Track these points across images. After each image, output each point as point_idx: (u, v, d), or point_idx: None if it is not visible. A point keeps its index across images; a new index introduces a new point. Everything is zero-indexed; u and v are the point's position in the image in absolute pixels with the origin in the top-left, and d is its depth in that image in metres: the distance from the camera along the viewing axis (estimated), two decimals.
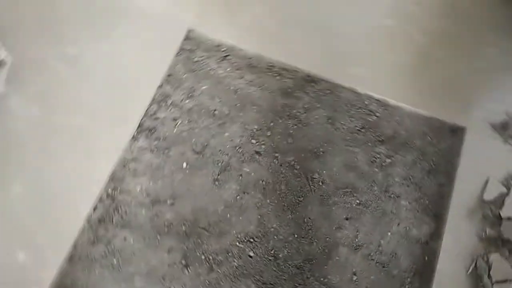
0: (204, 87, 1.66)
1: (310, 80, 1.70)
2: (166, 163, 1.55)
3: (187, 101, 1.64)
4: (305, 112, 1.66)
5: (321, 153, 1.61)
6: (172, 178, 1.53)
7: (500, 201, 1.53)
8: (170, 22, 1.72)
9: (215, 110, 1.64)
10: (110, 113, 1.57)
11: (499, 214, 1.50)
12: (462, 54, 1.79)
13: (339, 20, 1.81)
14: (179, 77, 1.66)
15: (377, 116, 1.68)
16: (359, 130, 1.65)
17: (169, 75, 1.66)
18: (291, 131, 1.63)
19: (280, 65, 1.71)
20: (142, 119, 1.58)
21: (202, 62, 1.69)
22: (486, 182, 1.57)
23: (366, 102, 1.69)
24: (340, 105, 1.68)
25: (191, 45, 1.71)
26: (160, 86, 1.63)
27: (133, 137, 1.56)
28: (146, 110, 1.59)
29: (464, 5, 1.86)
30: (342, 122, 1.66)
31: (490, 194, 1.54)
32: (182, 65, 1.68)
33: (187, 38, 1.71)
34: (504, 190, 1.54)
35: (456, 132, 1.66)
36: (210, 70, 1.69)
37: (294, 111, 1.66)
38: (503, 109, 1.69)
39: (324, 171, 1.59)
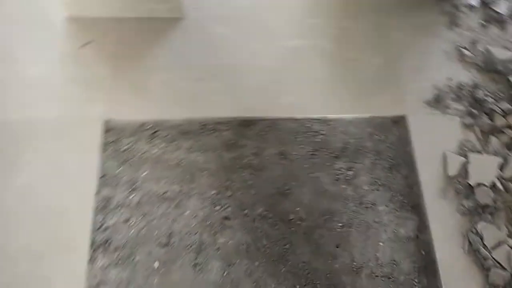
0: (144, 174, 1.55)
1: (247, 124, 1.67)
2: (136, 271, 1.41)
3: (132, 195, 1.51)
4: (255, 158, 1.62)
5: (288, 191, 1.58)
6: (148, 284, 1.40)
7: (464, 171, 1.60)
8: (83, 121, 1.59)
9: (165, 192, 1.53)
10: (55, 246, 1.40)
11: (468, 184, 1.57)
12: (373, 47, 1.86)
13: (251, 57, 1.80)
14: (114, 174, 1.53)
15: (323, 135, 1.68)
16: (312, 154, 1.65)
17: (102, 176, 1.52)
18: (250, 182, 1.58)
19: (212, 121, 1.65)
20: (92, 236, 1.43)
21: (132, 148, 1.58)
22: (445, 158, 1.63)
23: (308, 125, 1.69)
24: (286, 137, 1.66)
25: (114, 135, 1.59)
26: (98, 193, 1.49)
27: (90, 259, 1.40)
28: (93, 224, 1.44)
29: (358, 2, 1.94)
30: (294, 153, 1.64)
31: (453, 168, 1.60)
32: (112, 160, 1.56)
33: (107, 130, 1.59)
34: (463, 159, 1.61)
35: (399, 122, 1.72)
36: (144, 153, 1.59)
37: (245, 160, 1.61)
38: (430, 84, 1.78)
39: (298, 208, 1.55)
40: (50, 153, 1.53)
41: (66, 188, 1.48)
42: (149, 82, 1.71)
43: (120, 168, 1.55)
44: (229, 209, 1.53)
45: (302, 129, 1.69)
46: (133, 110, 1.64)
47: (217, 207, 1.53)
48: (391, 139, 1.70)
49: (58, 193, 1.47)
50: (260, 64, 1.79)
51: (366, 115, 1.72)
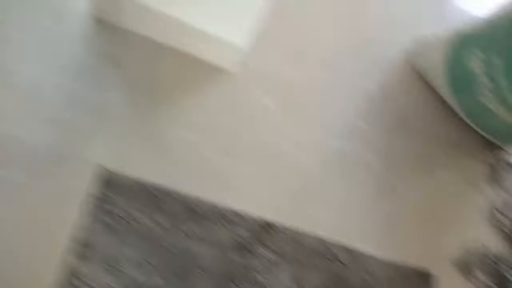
0: (128, 252, 1.29)
1: (269, 227, 1.48)
2: None
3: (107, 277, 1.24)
4: (266, 272, 1.43)
5: None
6: None
7: None
8: (72, 161, 1.30)
9: (144, 281, 1.28)
10: None
11: None
12: (414, 179, 1.80)
13: (290, 145, 1.64)
14: (94, 243, 1.25)
15: (343, 265, 1.55)
16: (328, 286, 1.49)
17: (85, 245, 1.23)
18: None
19: (229, 210, 1.45)
20: None
21: (125, 215, 1.32)
22: None
23: (330, 249, 1.54)
24: (304, 257, 1.50)
25: (110, 191, 1.32)
26: (64, 262, 1.20)
27: None
28: None
29: (418, 124, 1.88)
30: (309, 281, 1.47)
31: None
32: (97, 223, 1.28)
33: (103, 181, 1.32)
34: None
35: (422, 278, 1.64)
36: (137, 223, 1.33)
37: (253, 272, 1.42)
38: (459, 241, 1.74)
39: None
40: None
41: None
42: (167, 138, 1.47)
43: (103, 238, 1.27)
44: None
45: (323, 251, 1.53)
46: (139, 167, 1.38)
47: None
48: None
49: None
50: (298, 157, 1.63)
51: (391, 257, 1.61)
